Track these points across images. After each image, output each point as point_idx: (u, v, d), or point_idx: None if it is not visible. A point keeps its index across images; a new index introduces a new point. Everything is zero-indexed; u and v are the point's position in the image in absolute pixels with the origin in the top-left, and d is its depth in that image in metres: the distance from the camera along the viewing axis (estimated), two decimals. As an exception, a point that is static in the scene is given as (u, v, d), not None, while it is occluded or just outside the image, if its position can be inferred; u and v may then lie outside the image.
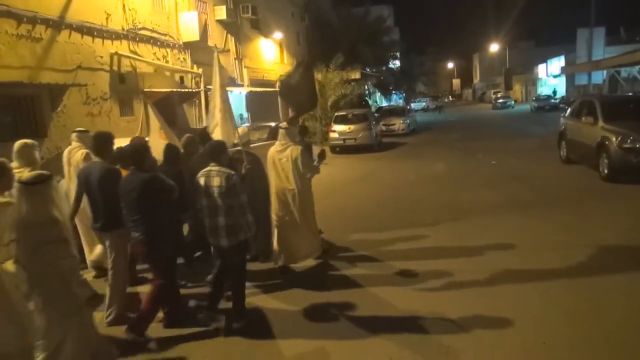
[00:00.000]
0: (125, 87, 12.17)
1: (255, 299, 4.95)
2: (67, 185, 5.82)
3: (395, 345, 3.93)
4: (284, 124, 5.99)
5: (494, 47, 59.61)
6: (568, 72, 35.97)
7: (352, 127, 17.45)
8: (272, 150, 5.72)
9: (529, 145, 16.11)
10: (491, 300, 4.60)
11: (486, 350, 3.76)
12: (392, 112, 25.61)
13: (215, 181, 4.25)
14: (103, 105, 11.40)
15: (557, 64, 42.30)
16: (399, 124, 23.01)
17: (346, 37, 28.79)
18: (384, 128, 21.77)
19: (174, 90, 13.91)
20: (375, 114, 23.27)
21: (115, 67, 11.81)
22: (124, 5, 12.25)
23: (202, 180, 4.33)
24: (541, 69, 48.86)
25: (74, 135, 5.94)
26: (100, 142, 4.90)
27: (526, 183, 9.93)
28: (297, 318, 4.57)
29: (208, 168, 4.36)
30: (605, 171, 9.38)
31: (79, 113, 10.64)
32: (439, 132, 25.02)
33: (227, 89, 17.63)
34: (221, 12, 17.61)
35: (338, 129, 17.67)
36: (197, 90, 15.46)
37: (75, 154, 5.76)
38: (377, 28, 32.52)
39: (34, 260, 3.14)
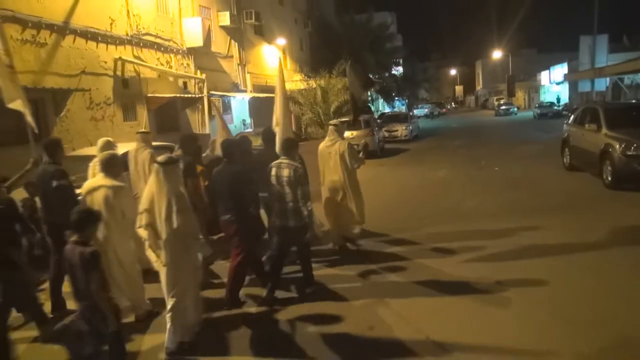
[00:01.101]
0: (128, 92, 12.23)
1: (320, 272, 5.70)
2: (134, 182, 6.14)
3: (455, 303, 4.70)
4: (333, 121, 6.96)
5: (497, 54, 59.75)
6: (571, 79, 36.01)
7: (354, 133, 17.46)
8: (322, 145, 6.55)
9: (532, 151, 16.07)
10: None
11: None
12: (395, 118, 25.62)
13: (285, 172, 4.96)
14: (106, 110, 11.45)
15: (559, 71, 42.32)
16: (401, 130, 23.01)
17: (349, 43, 28.88)
18: (386, 134, 21.77)
19: (177, 95, 13.98)
20: (378, 120, 23.28)
21: (119, 72, 11.88)
22: (128, 11, 12.33)
23: (273, 171, 5.02)
24: (544, 76, 48.88)
25: (138, 135, 6.47)
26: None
27: (529, 190, 9.89)
28: (357, 280, 5.53)
29: (279, 160, 5.08)
30: (609, 178, 9.34)
31: (83, 118, 10.69)
32: (441, 138, 25.00)
33: (230, 94, 17.77)
34: (225, 18, 17.70)
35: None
36: (200, 95, 15.53)
37: (141, 153, 6.18)
38: (380, 34, 32.61)
39: (167, 225, 3.89)
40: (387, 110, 39.69)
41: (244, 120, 19.32)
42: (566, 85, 41.65)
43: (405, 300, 4.87)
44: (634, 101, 18.43)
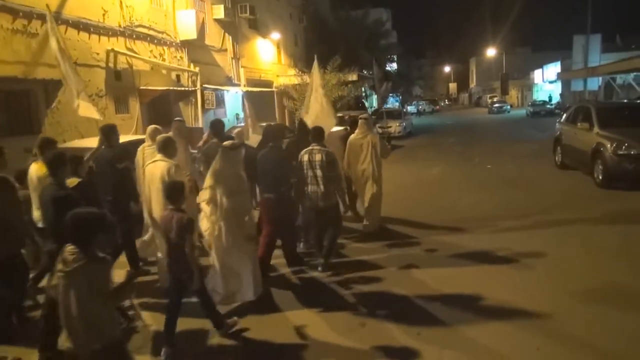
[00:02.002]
0: (121, 84, 12.11)
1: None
2: None
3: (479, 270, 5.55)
4: (364, 116, 7.58)
5: (491, 52, 60.00)
6: (564, 78, 36.20)
7: (348, 129, 17.42)
8: (353, 137, 7.13)
9: (524, 150, 16.15)
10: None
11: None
12: (389, 114, 25.61)
13: (318, 157, 5.55)
14: (98, 102, 11.31)
15: (553, 69, 42.54)
16: (395, 126, 23.01)
17: (344, 39, 28.79)
18: (380, 130, 21.75)
19: (170, 88, 13.86)
20: (372, 117, 23.27)
21: (111, 64, 11.75)
22: (121, 2, 12.18)
23: (306, 157, 5.62)
24: (537, 75, 49.13)
25: (175, 124, 6.84)
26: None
27: (521, 187, 9.94)
28: (386, 249, 6.45)
29: (310, 147, 5.64)
30: (600, 177, 9.41)
31: (74, 109, 10.56)
32: (435, 135, 25.07)
33: (224, 88, 17.64)
34: (219, 11, 17.55)
35: (334, 131, 17.62)
36: (193, 89, 15.42)
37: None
38: (376, 31, 32.53)
39: (227, 202, 4.48)
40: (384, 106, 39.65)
41: (237, 114, 19.21)
42: (559, 84, 41.88)
43: (436, 270, 5.63)
44: (625, 101, 18.54)
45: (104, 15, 11.50)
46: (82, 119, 10.76)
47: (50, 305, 3.61)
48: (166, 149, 5.03)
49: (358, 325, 4.37)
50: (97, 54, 11.26)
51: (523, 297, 4.69)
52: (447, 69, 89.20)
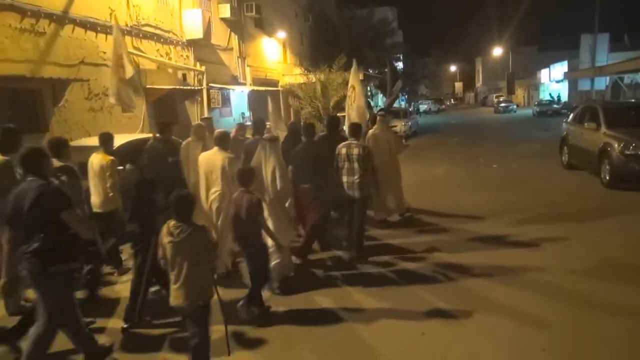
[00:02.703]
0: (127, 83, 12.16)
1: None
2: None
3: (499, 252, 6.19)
4: (381, 112, 8.43)
5: (497, 51, 59.64)
6: (571, 77, 36.00)
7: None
8: (372, 132, 7.58)
9: (530, 149, 16.08)
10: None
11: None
12: (394, 114, 25.59)
13: (355, 150, 6.00)
14: (105, 101, 11.37)
15: (559, 69, 42.26)
16: (400, 125, 22.98)
17: (349, 38, 28.76)
18: (385, 130, 21.72)
19: (177, 87, 13.90)
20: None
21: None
22: (128, 2, 12.24)
23: (344, 150, 6.07)
24: (544, 74, 48.83)
25: (201, 121, 7.28)
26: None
27: (527, 187, 9.91)
28: (411, 234, 7.13)
29: (348, 142, 6.16)
30: (607, 177, 9.36)
31: (81, 108, 10.63)
32: (440, 134, 25.01)
33: (229, 87, 17.67)
34: (225, 10, 17.58)
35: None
36: (199, 88, 15.46)
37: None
38: (381, 30, 32.46)
39: (272, 188, 5.00)
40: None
41: (242, 114, 19.24)
42: (566, 84, 41.63)
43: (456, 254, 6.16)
44: (633, 100, 18.42)
45: (111, 14, 11.54)
46: (88, 117, 10.85)
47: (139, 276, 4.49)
48: (222, 142, 5.60)
49: (387, 300, 4.94)
50: (104, 52, 11.30)
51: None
52: (452, 68, 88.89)
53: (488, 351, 3.91)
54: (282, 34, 23.24)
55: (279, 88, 22.37)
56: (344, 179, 6.06)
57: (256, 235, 4.53)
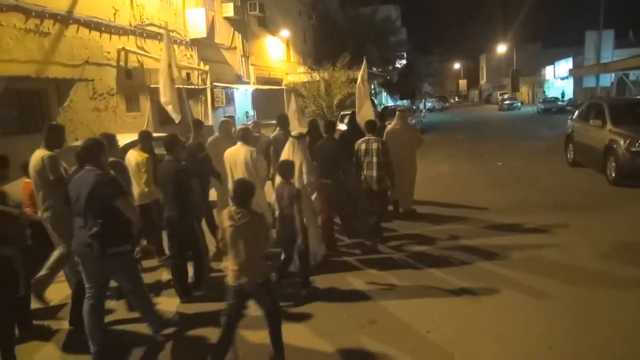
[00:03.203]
0: (131, 82, 12.21)
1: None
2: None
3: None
4: (401, 107, 8.40)
5: (501, 48, 59.37)
6: (576, 74, 35.78)
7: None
8: (391, 127, 7.87)
9: (535, 147, 16.02)
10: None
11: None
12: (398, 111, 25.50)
13: (374, 145, 6.34)
14: (109, 101, 11.43)
15: (564, 66, 42.01)
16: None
17: (353, 36, 28.72)
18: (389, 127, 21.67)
19: (180, 86, 13.91)
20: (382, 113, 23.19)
21: (122, 63, 11.85)
22: (131, 1, 12.27)
23: (363, 145, 6.40)
24: (548, 71, 48.58)
25: (220, 121, 7.71)
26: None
27: (532, 185, 9.86)
28: (427, 224, 7.47)
29: (367, 137, 6.45)
30: (613, 175, 9.30)
31: (86, 108, 10.68)
32: (445, 132, 24.93)
33: (233, 86, 17.66)
34: (228, 9, 17.61)
35: (344, 129, 17.60)
36: (203, 87, 15.49)
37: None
38: (385, 28, 32.41)
39: (299, 182, 5.32)
40: (390, 103, 39.56)
41: (246, 112, 19.27)
42: (571, 81, 41.37)
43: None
44: (639, 97, 18.30)
45: (114, 14, 11.59)
46: (93, 117, 10.89)
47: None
48: (245, 137, 6.05)
49: (412, 280, 5.38)
50: (108, 52, 11.35)
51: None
52: (456, 65, 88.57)
53: (511, 325, 4.24)
54: (285, 33, 23.25)
55: (283, 87, 22.38)
56: (364, 172, 6.40)
57: (299, 219, 4.86)
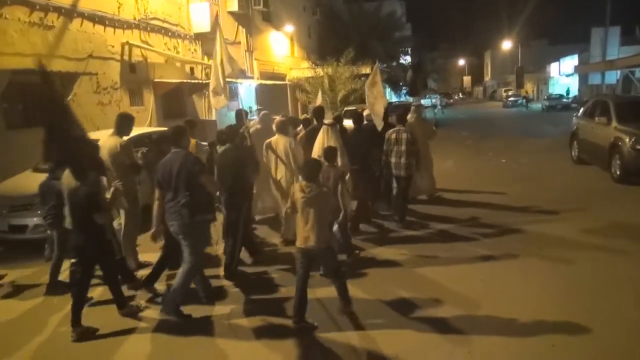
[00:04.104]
0: (135, 76, 12.20)
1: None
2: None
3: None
4: (416, 103, 9.22)
5: (507, 45, 59.06)
6: (582, 71, 35.56)
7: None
8: (409, 121, 8.02)
9: (539, 144, 15.95)
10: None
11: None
12: (402, 108, 25.41)
13: (404, 135, 6.97)
14: (113, 95, 11.43)
15: (570, 62, 41.78)
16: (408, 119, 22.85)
17: (357, 32, 28.60)
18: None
19: (184, 81, 13.92)
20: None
21: (126, 57, 11.83)
22: (135, -5, 12.24)
23: (393, 135, 7.06)
24: (554, 68, 48.31)
25: (261, 114, 8.46)
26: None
27: (536, 182, 9.82)
28: (446, 208, 8.23)
29: (396, 128, 7.12)
30: (618, 172, 9.26)
31: (90, 102, 10.68)
32: (449, 129, 24.82)
33: (237, 81, 17.67)
34: (233, 4, 17.56)
35: (348, 124, 17.58)
36: (207, 81, 15.46)
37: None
38: (389, 24, 32.26)
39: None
40: (394, 99, 39.42)
41: (250, 107, 19.25)
42: (576, 78, 41.12)
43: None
44: (644, 95, 18.17)
45: (119, 8, 11.57)
46: (97, 111, 10.90)
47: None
48: (283, 128, 6.65)
49: (442, 251, 6.09)
50: (112, 46, 11.34)
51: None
52: (461, 62, 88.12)
53: (535, 286, 4.95)
54: (289, 28, 23.17)
55: (287, 82, 22.34)
56: (393, 160, 7.05)
57: (343, 198, 5.40)
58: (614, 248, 5.82)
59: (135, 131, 7.80)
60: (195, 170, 4.46)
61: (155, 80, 12.79)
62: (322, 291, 4.80)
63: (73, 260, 4.85)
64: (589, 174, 10.34)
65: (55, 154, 4.47)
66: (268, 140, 6.64)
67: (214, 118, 14.93)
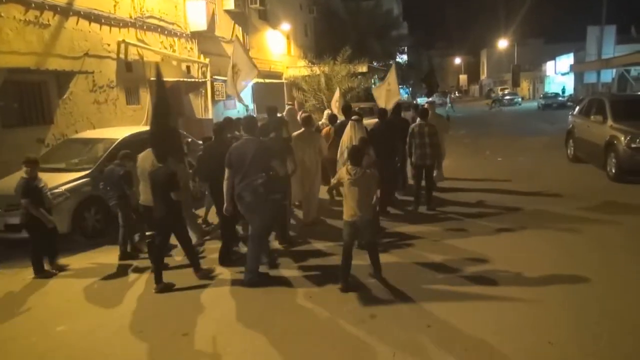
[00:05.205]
0: (131, 75, 12.16)
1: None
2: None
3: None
4: (430, 100, 9.81)
5: (503, 44, 59.13)
6: (577, 70, 35.66)
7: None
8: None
9: (535, 143, 16.00)
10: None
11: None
12: (404, 106, 25.38)
13: (426, 129, 7.77)
14: (109, 93, 11.39)
15: (565, 61, 41.91)
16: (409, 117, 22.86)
17: (354, 30, 28.58)
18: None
19: (181, 79, 13.87)
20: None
21: (122, 55, 11.79)
22: (132, -7, 12.19)
23: (416, 128, 7.83)
24: (549, 66, 48.46)
25: (288, 108, 9.34)
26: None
27: (532, 180, 9.86)
28: (459, 194, 9.12)
29: (419, 122, 7.90)
30: (613, 170, 9.30)
31: (86, 100, 10.65)
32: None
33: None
34: (229, 2, 17.50)
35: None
36: (203, 80, 15.43)
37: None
38: (386, 22, 32.26)
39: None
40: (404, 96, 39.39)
41: (247, 106, 19.21)
42: (572, 76, 41.28)
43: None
44: (640, 93, 18.25)
45: (115, 6, 11.52)
46: (93, 109, 10.87)
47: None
48: (308, 123, 7.41)
49: (461, 228, 6.95)
50: (108, 45, 11.30)
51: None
52: (457, 60, 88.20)
53: (545, 247, 5.99)
54: (286, 26, 23.12)
55: (283, 80, 22.30)
56: (417, 151, 7.78)
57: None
58: (610, 220, 6.85)
59: (131, 130, 7.80)
60: (267, 154, 5.29)
61: (152, 78, 12.75)
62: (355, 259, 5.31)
63: (149, 233, 5.93)
64: (585, 172, 10.39)
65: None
66: (295, 133, 7.27)
67: (210, 117, 14.91)
